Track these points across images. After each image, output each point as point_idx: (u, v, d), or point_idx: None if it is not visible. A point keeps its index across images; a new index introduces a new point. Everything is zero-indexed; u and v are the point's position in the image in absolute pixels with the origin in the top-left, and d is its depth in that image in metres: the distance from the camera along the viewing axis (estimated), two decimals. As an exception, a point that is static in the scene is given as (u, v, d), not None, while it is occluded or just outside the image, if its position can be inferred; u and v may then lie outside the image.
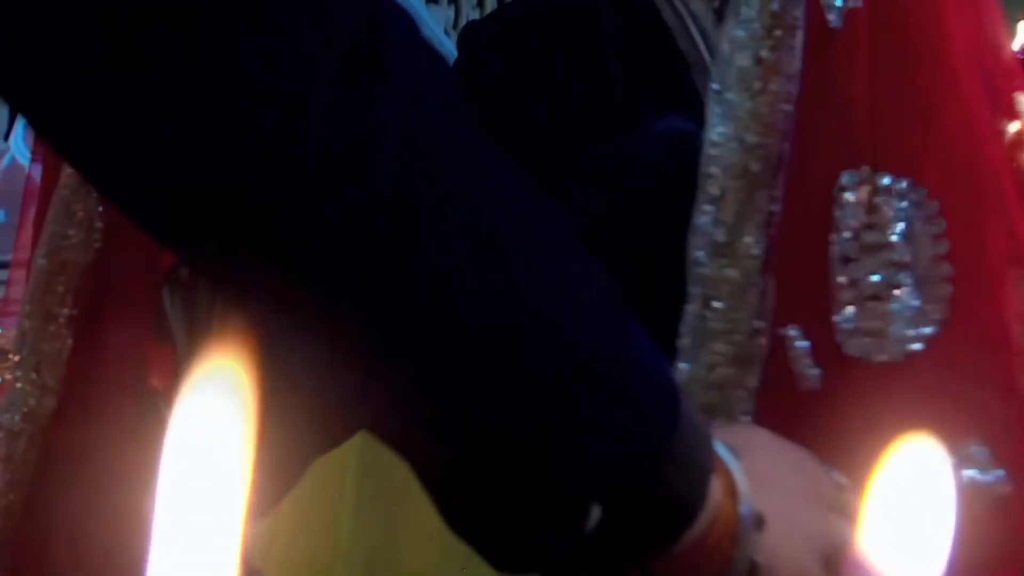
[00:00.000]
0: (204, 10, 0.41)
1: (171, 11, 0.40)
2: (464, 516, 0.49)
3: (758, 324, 0.63)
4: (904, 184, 0.62)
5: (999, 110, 0.65)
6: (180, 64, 0.41)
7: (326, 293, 0.43)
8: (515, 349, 0.44)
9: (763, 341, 0.63)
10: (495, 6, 3.44)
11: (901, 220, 0.62)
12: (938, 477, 0.27)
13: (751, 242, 0.63)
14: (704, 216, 0.64)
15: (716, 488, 0.49)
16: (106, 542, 0.79)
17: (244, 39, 0.41)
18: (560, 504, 0.46)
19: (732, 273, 0.64)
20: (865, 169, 0.62)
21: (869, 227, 0.62)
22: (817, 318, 0.62)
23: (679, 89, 0.73)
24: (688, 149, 0.71)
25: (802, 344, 0.62)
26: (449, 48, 2.99)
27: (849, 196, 0.63)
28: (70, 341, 0.87)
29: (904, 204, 0.62)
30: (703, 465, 0.48)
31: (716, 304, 0.63)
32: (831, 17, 0.64)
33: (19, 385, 0.86)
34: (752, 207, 0.64)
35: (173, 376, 0.91)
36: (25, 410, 0.86)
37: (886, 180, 0.62)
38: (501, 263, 0.44)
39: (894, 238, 0.62)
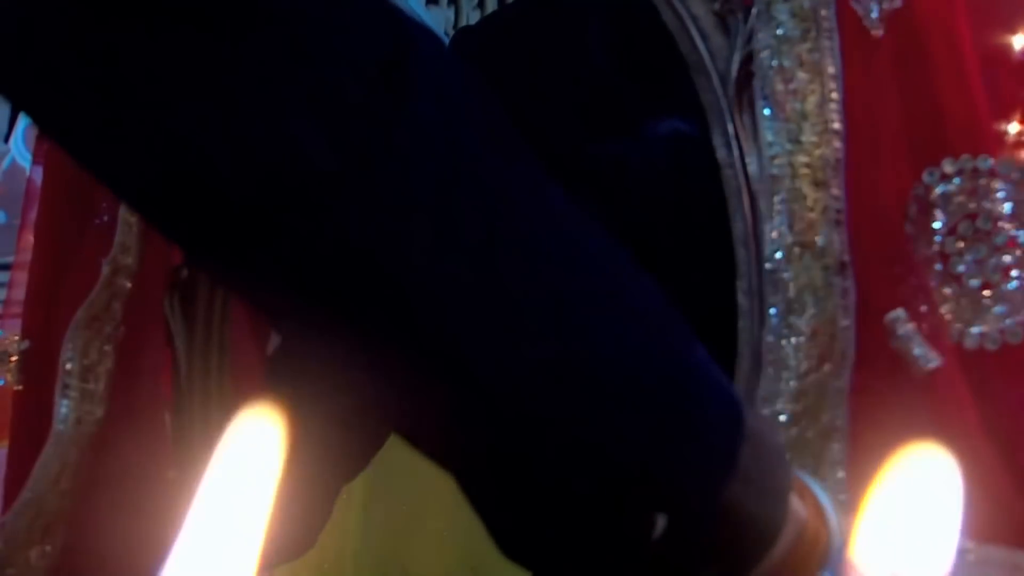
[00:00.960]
0: (222, 11, 0.40)
1: (196, 11, 0.40)
2: (500, 517, 0.48)
3: (844, 323, 0.63)
4: (1005, 165, 0.63)
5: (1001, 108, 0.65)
6: (200, 64, 0.40)
7: (345, 294, 0.43)
8: (524, 341, 0.43)
9: (850, 339, 0.63)
10: (496, 8, 3.43)
11: (1007, 200, 0.62)
12: (945, 486, 0.26)
13: (824, 241, 0.64)
14: (774, 219, 0.65)
15: (798, 508, 0.47)
16: (149, 545, 0.80)
17: (269, 43, 0.41)
18: (575, 499, 0.45)
19: (810, 274, 0.64)
20: (963, 157, 0.62)
21: (969, 216, 0.63)
22: (914, 312, 0.62)
23: (679, 91, 0.73)
24: (689, 151, 0.71)
25: (909, 328, 0.62)
26: (450, 49, 2.99)
27: (939, 191, 0.63)
28: (111, 347, 0.88)
29: (1006, 185, 0.62)
30: (779, 484, 0.47)
31: (798, 307, 0.64)
32: (870, 21, 0.64)
33: (71, 393, 0.87)
34: (820, 206, 0.64)
35: (174, 380, 0.91)
36: (76, 417, 0.87)
37: (988, 163, 0.63)
38: (523, 266, 0.44)
39: (1002, 222, 0.62)
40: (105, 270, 0.88)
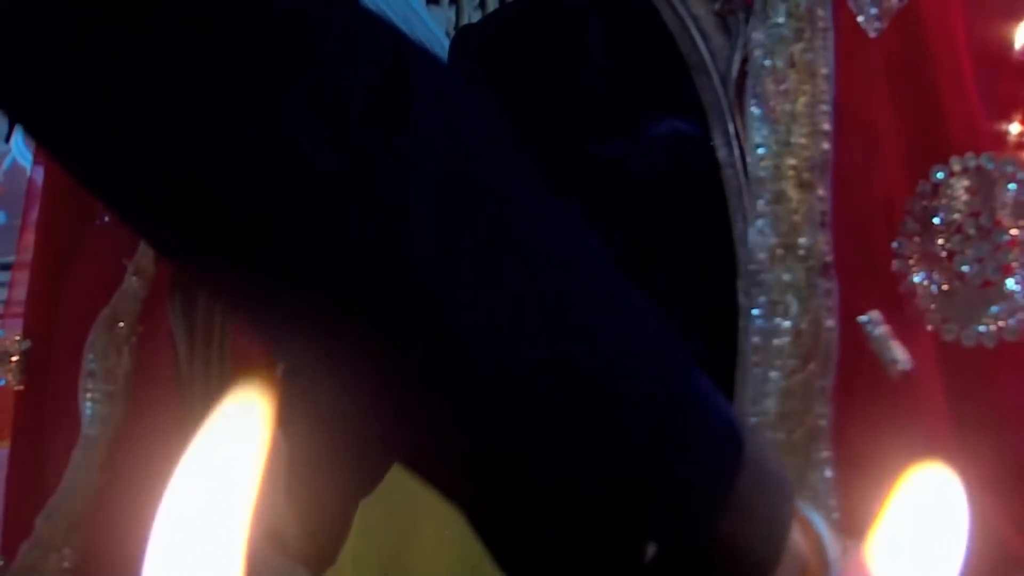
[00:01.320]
0: (222, 13, 0.40)
1: (197, 12, 0.40)
2: (505, 543, 0.47)
3: (828, 323, 0.63)
4: (1009, 165, 0.63)
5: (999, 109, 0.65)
6: (201, 65, 0.40)
7: (345, 295, 0.42)
8: (524, 341, 0.43)
9: (834, 341, 0.63)
10: (497, 7, 3.44)
11: (1010, 199, 0.62)
12: (951, 506, 0.26)
13: (808, 243, 0.64)
14: (757, 220, 0.65)
15: (798, 541, 0.45)
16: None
17: (270, 45, 0.41)
18: (575, 501, 0.44)
19: (794, 275, 0.64)
20: (967, 155, 0.63)
21: (973, 215, 0.63)
22: (898, 312, 0.62)
23: (679, 91, 0.73)
24: (689, 151, 0.71)
25: (882, 330, 0.62)
26: (451, 49, 2.99)
27: (945, 189, 0.63)
28: (128, 349, 0.88)
29: (1012, 185, 0.62)
30: (779, 516, 0.45)
31: (782, 308, 0.64)
32: (867, 20, 0.65)
33: (95, 396, 0.88)
34: (805, 207, 0.64)
35: (176, 381, 0.92)
36: (101, 419, 0.87)
37: (991, 162, 0.63)
38: (523, 267, 0.43)
39: (1004, 221, 0.62)
40: (130, 271, 0.89)
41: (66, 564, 0.88)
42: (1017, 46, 0.66)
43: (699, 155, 0.69)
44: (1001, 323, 0.62)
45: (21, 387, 0.95)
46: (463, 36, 0.87)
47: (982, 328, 0.62)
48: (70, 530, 0.88)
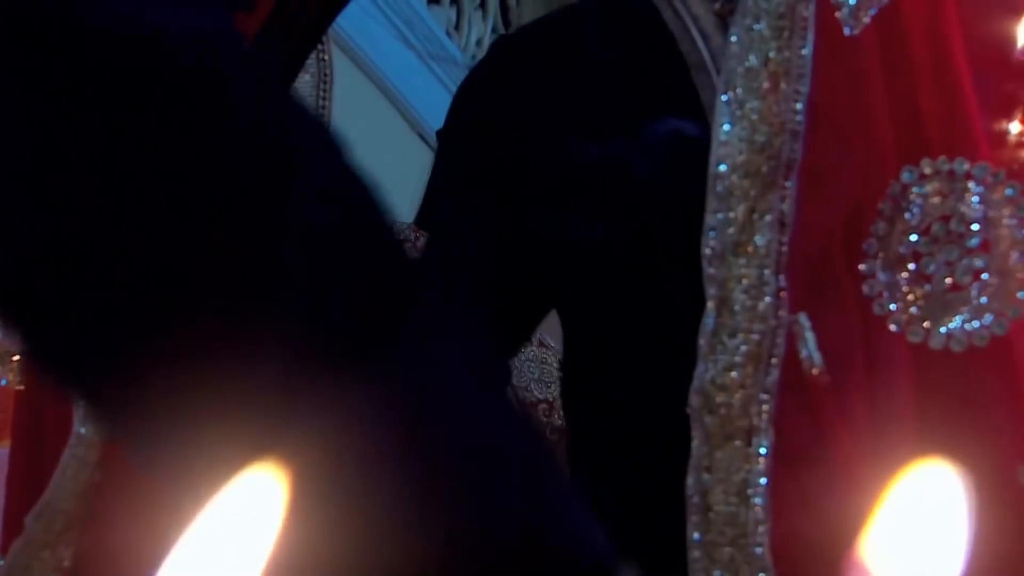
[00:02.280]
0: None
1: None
2: None
3: (774, 322, 0.63)
4: (982, 168, 0.63)
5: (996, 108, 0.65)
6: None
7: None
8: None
9: (780, 340, 0.63)
10: (497, 8, 3.45)
11: (981, 203, 0.62)
12: (953, 503, 0.26)
13: (764, 241, 0.64)
14: (715, 216, 0.64)
15: None
16: (162, 552, 0.80)
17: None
18: None
19: (746, 272, 0.64)
20: (940, 159, 0.63)
21: (943, 218, 0.63)
22: (859, 317, 0.62)
23: (680, 91, 0.73)
24: (689, 151, 0.71)
25: (804, 329, 0.62)
26: (452, 51, 2.99)
27: (915, 191, 0.63)
28: None
29: (981, 188, 0.62)
30: None
31: (732, 304, 0.64)
32: (850, 20, 0.64)
33: None
34: (764, 206, 0.64)
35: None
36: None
37: (964, 166, 0.62)
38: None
39: (975, 225, 0.62)
40: None
41: (66, 564, 0.88)
42: (1018, 45, 0.66)
43: (699, 155, 0.69)
44: (969, 327, 0.62)
45: (22, 387, 0.95)
46: (500, 48, 0.89)
47: (951, 331, 0.62)
48: (65, 529, 0.88)
